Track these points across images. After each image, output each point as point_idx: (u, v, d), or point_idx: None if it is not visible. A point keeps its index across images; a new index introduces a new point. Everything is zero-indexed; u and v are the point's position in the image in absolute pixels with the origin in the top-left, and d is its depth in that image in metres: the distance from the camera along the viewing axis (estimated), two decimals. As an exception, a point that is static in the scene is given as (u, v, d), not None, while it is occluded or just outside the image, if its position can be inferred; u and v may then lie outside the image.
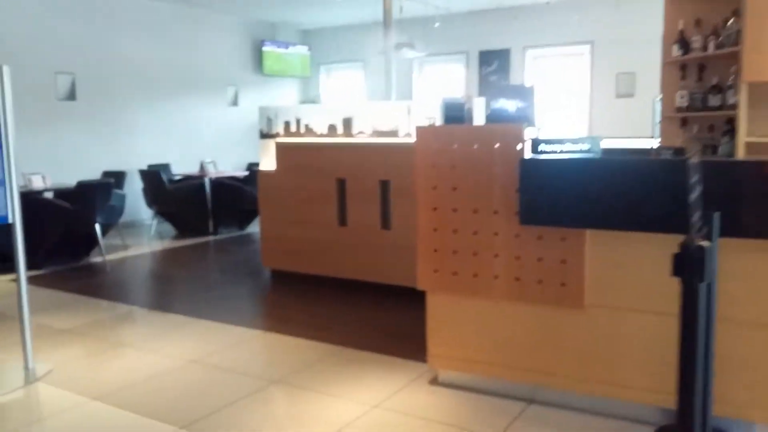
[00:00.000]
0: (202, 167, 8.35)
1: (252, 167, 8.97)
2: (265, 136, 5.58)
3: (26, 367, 3.44)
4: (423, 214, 3.01)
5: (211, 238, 7.79)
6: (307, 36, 11.79)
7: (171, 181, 8.21)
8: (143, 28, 9.09)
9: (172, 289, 5.43)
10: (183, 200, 7.72)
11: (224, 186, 7.83)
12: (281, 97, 11.51)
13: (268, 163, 5.52)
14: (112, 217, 6.48)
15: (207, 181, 7.88)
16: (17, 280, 3.43)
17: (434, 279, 3.04)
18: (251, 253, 6.94)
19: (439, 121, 4.33)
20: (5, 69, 3.34)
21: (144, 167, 8.23)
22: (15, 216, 3.40)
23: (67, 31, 8.17)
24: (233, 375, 3.40)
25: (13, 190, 3.39)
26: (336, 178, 5.11)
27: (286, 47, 11.20)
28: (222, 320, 4.36)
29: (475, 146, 2.84)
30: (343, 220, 5.14)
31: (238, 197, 7.81)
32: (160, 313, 4.61)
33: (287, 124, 5.46)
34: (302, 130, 5.38)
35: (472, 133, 2.93)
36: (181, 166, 8.97)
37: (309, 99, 11.70)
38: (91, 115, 8.46)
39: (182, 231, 8.16)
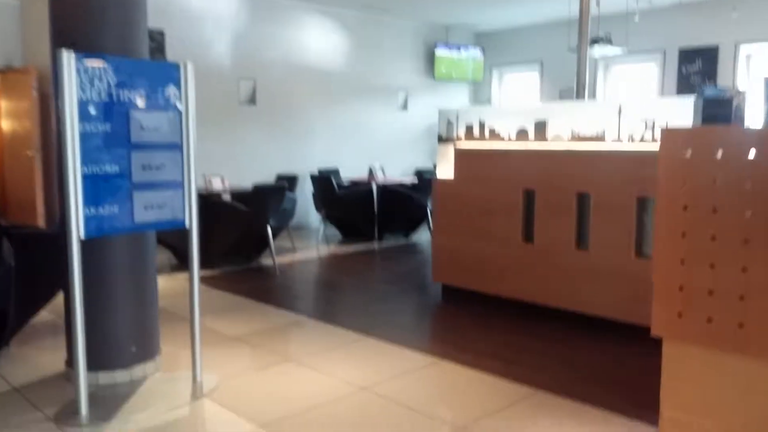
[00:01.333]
0: (370, 172, 8.12)
1: (421, 173, 8.62)
2: (443, 140, 5.12)
3: (194, 379, 3.25)
4: (666, 242, 2.31)
5: (376, 245, 7.52)
6: (480, 38, 11.25)
7: (340, 186, 8.08)
8: (323, 35, 9.12)
9: (339, 298, 5.15)
10: (351, 206, 7.54)
11: (392, 193, 7.52)
12: (451, 101, 11.07)
13: (446, 169, 5.05)
14: (284, 220, 6.41)
15: (375, 187, 7.62)
16: (190, 291, 3.25)
17: (677, 325, 2.33)
18: (418, 264, 6.52)
19: (692, 121, 3.55)
20: (189, 66, 3.18)
21: (314, 171, 8.19)
22: (192, 221, 3.23)
23: (251, 39, 8.38)
24: (410, 413, 2.94)
25: (192, 195, 3.21)
26: (523, 189, 4.49)
27: (459, 50, 10.74)
28: (392, 340, 3.94)
29: (753, 154, 2.10)
30: (528, 236, 4.51)
31: (406, 205, 7.46)
32: (328, 325, 4.30)
33: (469, 128, 4.95)
34: (486, 134, 4.83)
35: (746, 137, 2.19)
36: (350, 171, 8.84)
37: (480, 104, 11.13)
38: (269, 119, 8.62)
39: (348, 236, 8.00)
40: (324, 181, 7.55)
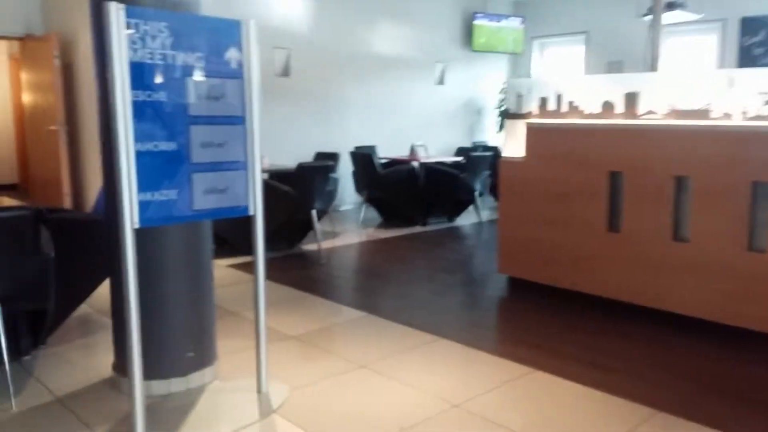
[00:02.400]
0: (412, 151, 7.63)
1: (467, 151, 8.13)
2: (512, 116, 4.62)
3: (259, 391, 2.83)
4: None
5: (420, 229, 7.06)
6: (520, 7, 10.63)
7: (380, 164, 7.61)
8: (356, 3, 8.57)
9: (397, 291, 4.71)
10: (394, 186, 7.06)
11: (438, 173, 7.02)
12: (489, 75, 10.51)
13: (514, 148, 4.56)
14: (328, 202, 5.96)
15: (418, 166, 7.13)
16: (255, 292, 2.82)
17: None
18: (471, 252, 6.07)
19: None
20: (252, 25, 2.70)
21: (350, 149, 7.69)
22: (257, 208, 2.78)
23: (284, 4, 7.86)
24: (517, 437, 2.50)
25: (256, 177, 2.76)
26: (608, 171, 4.00)
27: (499, 20, 10.15)
28: (470, 343, 3.50)
29: None
30: (614, 225, 4.03)
31: (453, 186, 6.97)
32: (394, 323, 3.86)
33: (543, 101, 4.44)
34: (564, 108, 4.33)
35: None
36: (384, 149, 8.33)
37: (519, 77, 10.56)
38: (303, 93, 8.13)
39: (388, 219, 7.54)
40: (365, 160, 7.07)
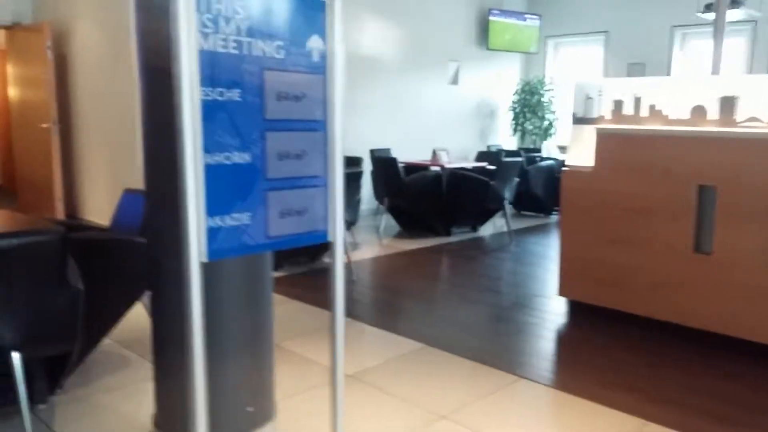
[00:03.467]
0: (434, 155, 7.14)
1: (487, 156, 7.68)
2: (579, 120, 4.16)
3: (337, 456, 2.31)
4: None
5: (444, 239, 6.57)
6: (536, 5, 10.20)
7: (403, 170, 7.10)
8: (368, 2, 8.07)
9: (449, 316, 4.20)
10: (418, 194, 6.56)
11: (467, 180, 6.54)
12: (502, 75, 10.07)
13: (580, 156, 4.10)
14: (357, 213, 5.44)
15: (441, 171, 6.65)
16: (332, 343, 2.30)
17: None
18: (512, 267, 5.60)
19: None
20: (337, 4, 2.18)
21: (362, 152, 7.16)
22: (337, 233, 2.27)
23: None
24: None
25: (337, 195, 2.25)
26: (698, 185, 3.56)
27: (515, 18, 9.71)
28: (559, 386, 3.03)
29: None
30: (702, 246, 3.59)
31: (481, 194, 6.49)
32: (459, 358, 3.36)
33: (618, 105, 3.98)
34: (644, 112, 3.88)
35: None
36: (399, 152, 7.82)
37: (532, 78, 10.13)
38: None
39: (409, 228, 7.04)
40: (387, 165, 6.56)
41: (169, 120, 1.85)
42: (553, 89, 9.92)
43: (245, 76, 1.96)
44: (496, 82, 9.96)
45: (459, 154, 8.95)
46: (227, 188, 1.94)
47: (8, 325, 2.15)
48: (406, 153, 7.79)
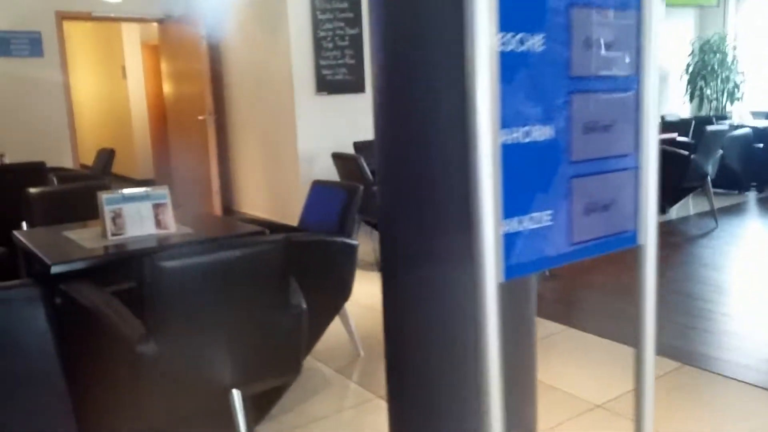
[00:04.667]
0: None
1: (680, 125, 6.67)
2: None
3: None
4: None
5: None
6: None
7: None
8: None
9: (687, 323, 3.45)
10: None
11: (663, 154, 5.60)
12: (673, 35, 8.86)
13: None
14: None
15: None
16: (639, 377, 1.67)
17: None
18: (731, 254, 4.68)
19: None
20: None
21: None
22: (649, 233, 1.63)
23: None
24: None
25: (651, 180, 1.61)
26: None
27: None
28: None
29: None
30: None
31: (681, 170, 5.56)
32: (732, 381, 2.63)
33: None
34: None
35: None
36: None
37: (710, 39, 8.81)
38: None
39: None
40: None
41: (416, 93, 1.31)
42: (737, 47, 8.59)
43: (549, 16, 1.36)
44: (666, 43, 8.77)
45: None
46: (526, 176, 1.37)
47: (229, 360, 1.73)
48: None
